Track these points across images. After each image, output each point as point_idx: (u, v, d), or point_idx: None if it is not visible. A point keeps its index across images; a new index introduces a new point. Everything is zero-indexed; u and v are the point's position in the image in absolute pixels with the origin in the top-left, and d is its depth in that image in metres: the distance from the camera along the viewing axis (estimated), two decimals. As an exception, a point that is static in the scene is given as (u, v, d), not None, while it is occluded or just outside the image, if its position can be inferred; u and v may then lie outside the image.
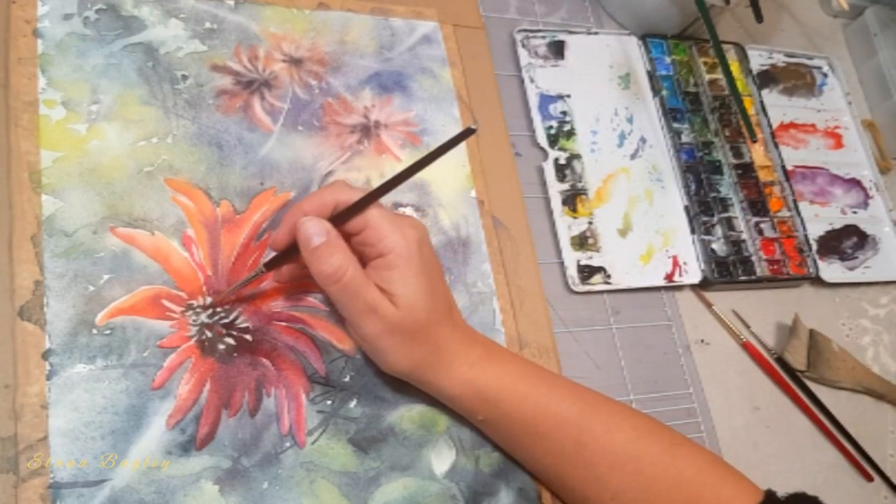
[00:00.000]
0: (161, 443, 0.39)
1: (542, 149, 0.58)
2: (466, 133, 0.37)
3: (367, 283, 0.39)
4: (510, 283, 0.51)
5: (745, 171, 0.64)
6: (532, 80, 0.60)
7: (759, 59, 0.71)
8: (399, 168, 0.51)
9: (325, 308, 0.46)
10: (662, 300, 0.57)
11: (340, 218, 0.40)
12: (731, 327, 0.58)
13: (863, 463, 0.57)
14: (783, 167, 0.65)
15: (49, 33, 0.45)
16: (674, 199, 0.61)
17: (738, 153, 0.65)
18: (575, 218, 0.57)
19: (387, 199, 0.50)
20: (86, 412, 0.38)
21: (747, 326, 0.59)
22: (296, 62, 0.52)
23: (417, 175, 0.52)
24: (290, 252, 0.41)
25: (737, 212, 0.62)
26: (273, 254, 0.42)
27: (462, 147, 0.54)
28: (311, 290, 0.46)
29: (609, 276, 0.55)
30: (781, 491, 0.41)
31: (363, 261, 0.41)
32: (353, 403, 0.44)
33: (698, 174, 0.62)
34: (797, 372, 0.59)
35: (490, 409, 0.42)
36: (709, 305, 0.59)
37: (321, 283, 0.40)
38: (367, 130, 0.52)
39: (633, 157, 0.61)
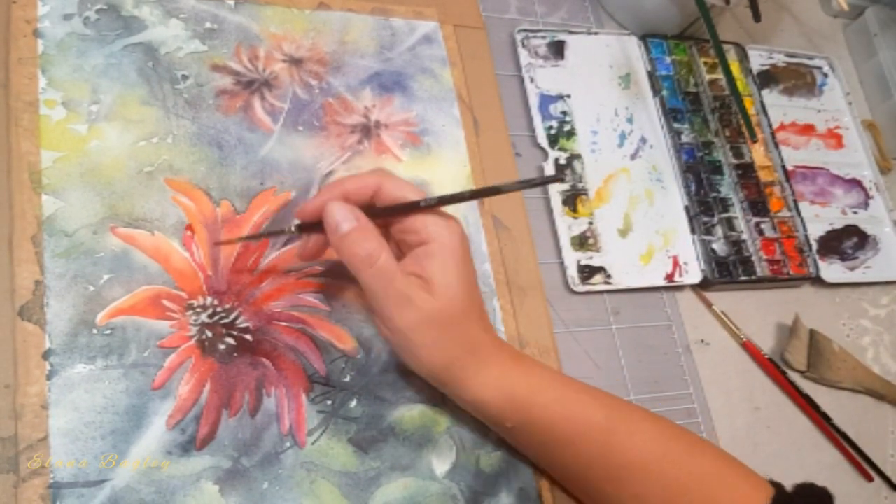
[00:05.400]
0: (161, 443, 0.39)
1: (542, 149, 0.58)
2: (555, 178, 0.37)
3: (401, 270, 0.38)
4: (510, 283, 0.51)
5: (746, 172, 0.64)
6: (532, 80, 0.60)
7: (759, 60, 0.71)
8: (400, 169, 0.51)
9: (325, 308, 0.46)
10: (663, 300, 0.57)
11: (386, 212, 0.39)
12: (731, 327, 0.58)
13: (863, 463, 0.57)
14: (783, 167, 0.65)
15: (49, 33, 0.45)
16: (674, 199, 0.61)
17: (738, 153, 0.65)
18: (575, 218, 0.57)
19: (387, 199, 0.50)
20: (86, 412, 0.38)
21: (742, 327, 0.59)
22: (296, 62, 0.52)
23: (417, 174, 0.52)
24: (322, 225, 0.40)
25: (737, 212, 0.62)
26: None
27: (462, 147, 0.54)
28: (311, 289, 0.46)
29: (609, 277, 0.55)
30: (775, 476, 0.43)
31: (400, 252, 0.41)
32: (353, 403, 0.44)
33: (698, 174, 0.62)
34: (797, 372, 0.59)
35: (521, 415, 0.41)
36: (709, 305, 0.59)
37: (353, 269, 0.38)
38: (368, 130, 0.52)
39: (633, 157, 0.61)
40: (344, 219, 0.38)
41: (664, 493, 0.41)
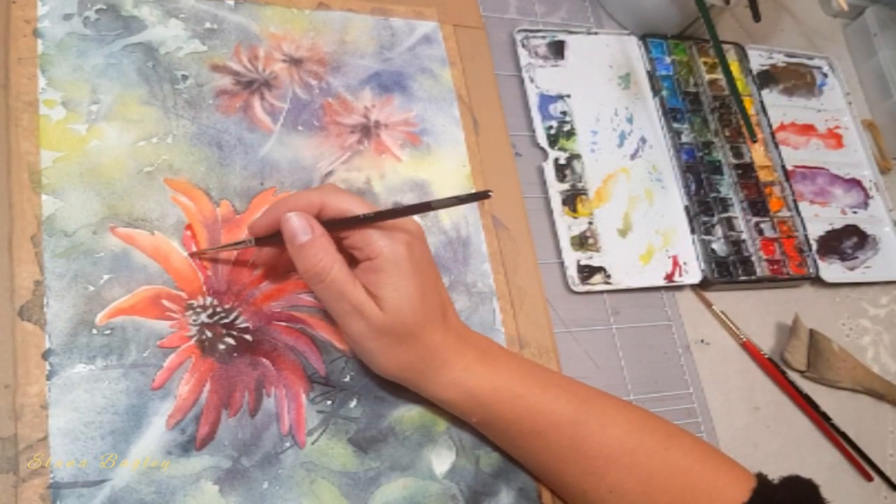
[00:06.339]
0: (161, 443, 0.39)
1: (542, 149, 0.58)
2: (482, 195, 0.37)
3: (353, 283, 0.39)
4: (510, 283, 0.51)
5: (746, 171, 0.64)
6: (532, 80, 0.60)
7: (759, 59, 0.71)
8: (400, 169, 0.51)
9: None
10: (662, 300, 0.57)
11: (330, 226, 0.40)
12: (731, 327, 0.58)
13: (863, 463, 0.58)
14: (783, 167, 0.65)
15: (49, 33, 0.45)
16: (674, 199, 0.61)
17: (738, 153, 0.65)
18: (575, 218, 0.57)
19: (388, 200, 0.50)
20: (86, 412, 0.38)
21: (742, 327, 0.59)
22: (296, 62, 0.52)
23: (417, 174, 0.52)
24: (279, 237, 0.41)
25: (737, 212, 0.62)
26: None
27: (462, 147, 0.54)
28: (310, 289, 0.46)
29: (609, 276, 0.55)
30: (775, 475, 0.43)
31: (354, 262, 0.41)
32: (353, 403, 0.44)
33: (698, 174, 0.62)
34: (797, 372, 0.59)
35: (484, 412, 0.42)
36: (709, 305, 0.59)
37: (306, 281, 0.40)
38: (367, 130, 0.52)
39: (633, 157, 0.61)
40: (301, 230, 0.39)
41: (640, 485, 0.41)
